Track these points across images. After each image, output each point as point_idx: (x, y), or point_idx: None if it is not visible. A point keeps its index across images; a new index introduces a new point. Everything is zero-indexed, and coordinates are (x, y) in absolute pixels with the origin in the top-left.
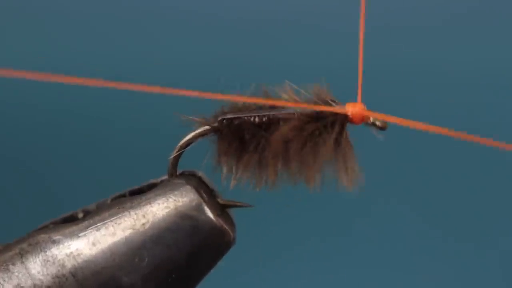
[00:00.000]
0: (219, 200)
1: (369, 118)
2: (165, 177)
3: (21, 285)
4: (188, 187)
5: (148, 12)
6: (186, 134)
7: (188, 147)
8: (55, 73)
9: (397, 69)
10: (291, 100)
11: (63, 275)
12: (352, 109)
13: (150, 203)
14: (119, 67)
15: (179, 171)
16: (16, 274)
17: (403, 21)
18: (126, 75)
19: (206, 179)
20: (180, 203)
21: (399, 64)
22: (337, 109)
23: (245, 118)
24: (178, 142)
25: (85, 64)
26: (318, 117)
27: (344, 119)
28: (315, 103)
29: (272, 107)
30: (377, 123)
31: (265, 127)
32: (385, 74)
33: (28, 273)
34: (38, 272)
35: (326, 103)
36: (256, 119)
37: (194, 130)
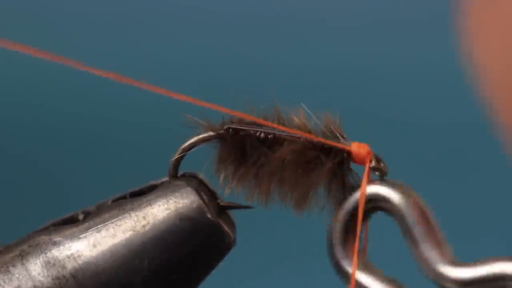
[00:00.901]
0: (219, 201)
1: (370, 161)
2: (165, 178)
3: (22, 286)
4: (189, 189)
5: (154, 12)
6: (190, 138)
7: (190, 151)
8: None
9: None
10: (300, 125)
11: (64, 277)
12: (356, 149)
13: (150, 205)
14: (124, 67)
15: (180, 173)
16: (17, 275)
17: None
18: (133, 74)
19: (206, 181)
20: (181, 205)
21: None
22: (340, 145)
23: (251, 131)
24: (181, 144)
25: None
26: (322, 147)
27: (346, 156)
28: (323, 133)
29: (281, 126)
30: (377, 168)
31: (269, 144)
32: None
33: (28, 275)
34: (39, 274)
35: (334, 136)
36: (262, 135)
37: (199, 134)
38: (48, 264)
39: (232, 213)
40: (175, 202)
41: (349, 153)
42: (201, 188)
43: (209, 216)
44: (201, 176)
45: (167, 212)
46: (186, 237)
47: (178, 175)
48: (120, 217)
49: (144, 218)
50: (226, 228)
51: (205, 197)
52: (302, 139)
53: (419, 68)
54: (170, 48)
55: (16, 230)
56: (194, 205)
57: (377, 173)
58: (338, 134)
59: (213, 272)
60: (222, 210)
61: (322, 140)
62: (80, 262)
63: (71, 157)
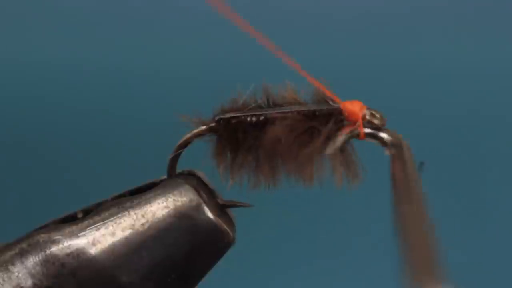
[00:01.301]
0: (218, 200)
1: (365, 116)
2: (164, 177)
3: (21, 285)
4: (187, 187)
5: (152, 12)
6: (184, 134)
7: (186, 147)
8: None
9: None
10: (290, 99)
11: (63, 275)
12: (349, 106)
13: (149, 203)
14: (123, 65)
15: (178, 170)
16: (16, 274)
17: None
18: (130, 74)
19: (205, 179)
20: (180, 203)
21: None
22: (332, 107)
23: (242, 117)
24: (177, 142)
25: (100, 62)
26: (314, 116)
27: (340, 117)
28: (313, 102)
29: (272, 106)
30: (375, 120)
31: (262, 127)
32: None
33: (28, 273)
34: (38, 272)
35: (324, 102)
36: (253, 119)
37: (192, 130)
38: (47, 263)
39: (232, 212)
40: (174, 200)
41: (341, 112)
42: (200, 186)
43: (208, 214)
44: (200, 173)
45: (166, 210)
46: (185, 235)
47: (176, 173)
48: (119, 215)
49: (143, 216)
50: (225, 226)
51: (204, 195)
52: (292, 113)
53: (416, 66)
54: (166, 47)
55: (16, 229)
56: (193, 204)
57: (374, 125)
58: (328, 100)
59: (212, 270)
60: (222, 209)
61: (311, 107)
62: (79, 260)
63: (71, 156)
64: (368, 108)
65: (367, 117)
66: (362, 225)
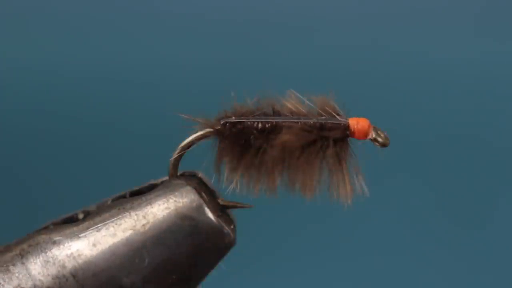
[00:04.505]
0: (219, 201)
1: (371, 134)
2: (165, 178)
3: (22, 286)
4: (189, 188)
5: (149, 15)
6: (188, 136)
7: (189, 149)
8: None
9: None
10: (295, 109)
11: (64, 276)
12: (356, 124)
13: (150, 204)
14: (120, 68)
15: (179, 172)
16: (17, 275)
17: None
18: (127, 77)
19: (206, 180)
20: (181, 204)
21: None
22: (339, 122)
23: (249, 123)
24: (179, 143)
25: (93, 65)
26: (321, 128)
27: (346, 133)
28: (319, 114)
29: (276, 114)
30: (379, 139)
31: (268, 133)
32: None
33: (28, 274)
34: (39, 273)
35: (330, 115)
36: (259, 125)
37: (196, 132)
38: (48, 263)
39: (232, 213)
40: (175, 201)
41: (347, 129)
42: (201, 187)
43: (209, 215)
44: (201, 174)
45: (167, 211)
46: (186, 237)
47: (177, 174)
48: (120, 216)
49: (144, 217)
50: (226, 227)
51: (205, 196)
52: (299, 124)
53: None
54: (164, 48)
55: (16, 230)
56: (194, 204)
57: (377, 144)
58: (333, 113)
59: (213, 271)
60: (222, 209)
61: (319, 120)
62: (80, 261)
63: (71, 157)
64: (374, 128)
65: (373, 135)
66: (364, 225)
